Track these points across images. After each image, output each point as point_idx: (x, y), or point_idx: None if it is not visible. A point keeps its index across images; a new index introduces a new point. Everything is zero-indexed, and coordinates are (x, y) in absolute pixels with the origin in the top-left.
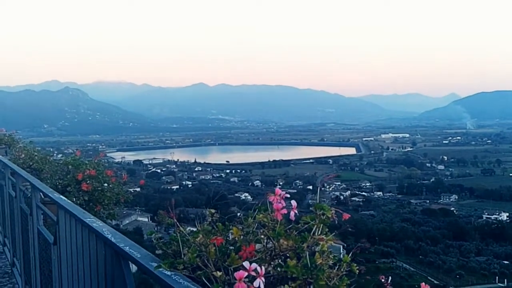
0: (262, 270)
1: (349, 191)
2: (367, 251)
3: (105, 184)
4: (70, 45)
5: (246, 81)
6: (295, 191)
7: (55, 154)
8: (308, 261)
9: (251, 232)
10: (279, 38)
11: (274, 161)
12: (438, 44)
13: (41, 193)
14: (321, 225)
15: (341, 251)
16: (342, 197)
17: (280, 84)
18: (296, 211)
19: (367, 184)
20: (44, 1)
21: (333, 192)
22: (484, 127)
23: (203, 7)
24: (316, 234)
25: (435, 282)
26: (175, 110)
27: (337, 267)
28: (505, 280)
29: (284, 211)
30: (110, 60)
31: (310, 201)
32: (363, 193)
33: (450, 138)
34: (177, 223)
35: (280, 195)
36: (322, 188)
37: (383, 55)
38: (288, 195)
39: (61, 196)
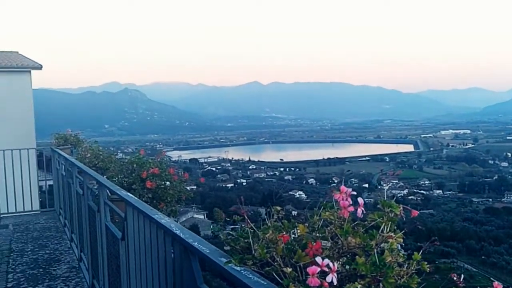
0: (334, 266)
1: (407, 189)
2: (426, 251)
3: (168, 182)
4: (129, 47)
5: (300, 79)
6: (351, 189)
7: (118, 153)
8: (377, 259)
9: (316, 229)
10: (333, 34)
11: (328, 158)
12: (500, 34)
13: (108, 191)
14: (389, 222)
15: (400, 251)
16: (400, 195)
17: (334, 81)
18: (363, 209)
19: (426, 182)
20: (102, 10)
21: (390, 190)
22: None
23: (256, 7)
24: (385, 231)
25: (499, 283)
26: (230, 109)
27: (406, 265)
28: None
29: (351, 208)
30: (167, 61)
31: (366, 199)
32: (422, 192)
33: None
34: (248, 220)
35: (346, 192)
36: (379, 186)
37: (443, 48)
38: (355, 193)
39: (128, 194)
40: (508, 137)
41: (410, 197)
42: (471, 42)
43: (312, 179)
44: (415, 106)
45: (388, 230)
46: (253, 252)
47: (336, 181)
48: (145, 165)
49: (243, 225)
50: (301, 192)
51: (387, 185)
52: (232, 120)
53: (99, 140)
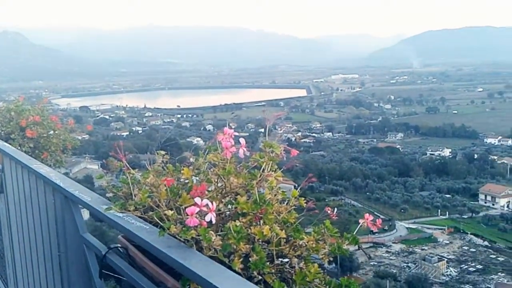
0: (213, 205)
1: (300, 133)
2: (317, 190)
3: (51, 131)
4: None
5: (197, 23)
6: (247, 134)
7: None
8: (257, 197)
9: (202, 172)
10: None
11: (225, 104)
12: None
13: None
14: (270, 162)
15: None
16: (293, 138)
17: (232, 26)
18: (245, 149)
19: (317, 125)
20: None
21: (284, 134)
22: (430, 66)
23: None
24: (266, 171)
25: (381, 216)
26: (123, 54)
27: (286, 202)
28: (447, 212)
29: (233, 149)
30: (52, 2)
31: (262, 143)
32: (314, 134)
33: (397, 77)
34: (127, 164)
35: (228, 134)
36: (273, 130)
37: None
38: (237, 133)
39: (5, 143)
40: (391, 81)
41: (303, 140)
42: None
43: (210, 125)
44: (310, 52)
45: (269, 169)
46: (134, 197)
47: (233, 127)
48: (24, 113)
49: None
50: (199, 139)
51: (279, 129)
52: (126, 66)
53: None
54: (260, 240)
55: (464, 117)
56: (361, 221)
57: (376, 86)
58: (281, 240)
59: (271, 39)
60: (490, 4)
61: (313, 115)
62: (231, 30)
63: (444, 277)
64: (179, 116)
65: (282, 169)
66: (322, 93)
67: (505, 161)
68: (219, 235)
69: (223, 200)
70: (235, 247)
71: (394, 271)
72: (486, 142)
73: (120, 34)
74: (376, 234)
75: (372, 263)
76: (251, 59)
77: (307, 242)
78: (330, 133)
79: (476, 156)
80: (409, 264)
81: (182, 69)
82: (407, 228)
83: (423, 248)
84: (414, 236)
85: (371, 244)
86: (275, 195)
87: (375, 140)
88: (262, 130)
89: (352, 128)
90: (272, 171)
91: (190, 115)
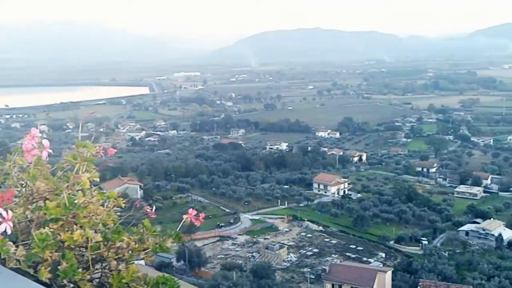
0: (8, 214)
1: (144, 131)
2: (164, 188)
3: None
4: None
5: (26, 13)
6: (87, 134)
7: None
8: (66, 201)
9: (10, 177)
10: None
11: (62, 103)
12: None
13: None
14: (85, 163)
15: (138, 191)
16: (138, 137)
17: (67, 18)
18: (50, 151)
19: (161, 123)
20: None
21: (128, 133)
22: (266, 65)
23: None
24: (81, 172)
25: (227, 210)
26: None
27: (106, 203)
28: (286, 202)
29: (36, 151)
30: None
31: (103, 143)
32: (158, 133)
33: (237, 76)
34: None
35: (32, 135)
36: (116, 129)
37: None
38: (40, 135)
39: None
40: (232, 79)
41: (147, 139)
42: None
43: (44, 126)
44: (151, 49)
45: (84, 170)
46: None
47: (71, 127)
48: None
49: None
50: None
51: (123, 128)
52: None
53: None
54: (72, 246)
55: (298, 112)
56: (184, 217)
57: (218, 84)
58: (100, 244)
59: (108, 34)
60: (319, 6)
61: (157, 113)
62: (65, 24)
63: (285, 263)
64: (7, 116)
65: (96, 170)
66: (165, 90)
67: (334, 152)
68: (26, 244)
69: (29, 206)
70: (42, 256)
71: (240, 262)
72: (318, 136)
73: None
74: (223, 227)
75: (219, 256)
76: (88, 55)
77: (128, 244)
78: (175, 131)
79: (309, 148)
80: (254, 254)
81: (9, 65)
82: (251, 219)
83: (266, 237)
84: (257, 227)
85: (218, 238)
86: (92, 197)
87: (218, 136)
88: (103, 129)
89: (197, 126)
90: (88, 172)
91: (20, 115)
